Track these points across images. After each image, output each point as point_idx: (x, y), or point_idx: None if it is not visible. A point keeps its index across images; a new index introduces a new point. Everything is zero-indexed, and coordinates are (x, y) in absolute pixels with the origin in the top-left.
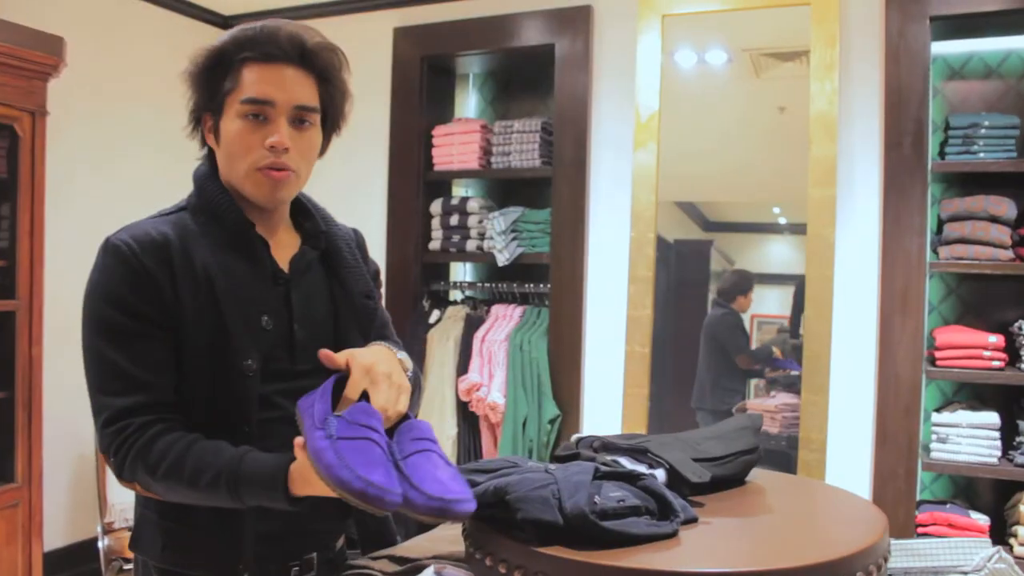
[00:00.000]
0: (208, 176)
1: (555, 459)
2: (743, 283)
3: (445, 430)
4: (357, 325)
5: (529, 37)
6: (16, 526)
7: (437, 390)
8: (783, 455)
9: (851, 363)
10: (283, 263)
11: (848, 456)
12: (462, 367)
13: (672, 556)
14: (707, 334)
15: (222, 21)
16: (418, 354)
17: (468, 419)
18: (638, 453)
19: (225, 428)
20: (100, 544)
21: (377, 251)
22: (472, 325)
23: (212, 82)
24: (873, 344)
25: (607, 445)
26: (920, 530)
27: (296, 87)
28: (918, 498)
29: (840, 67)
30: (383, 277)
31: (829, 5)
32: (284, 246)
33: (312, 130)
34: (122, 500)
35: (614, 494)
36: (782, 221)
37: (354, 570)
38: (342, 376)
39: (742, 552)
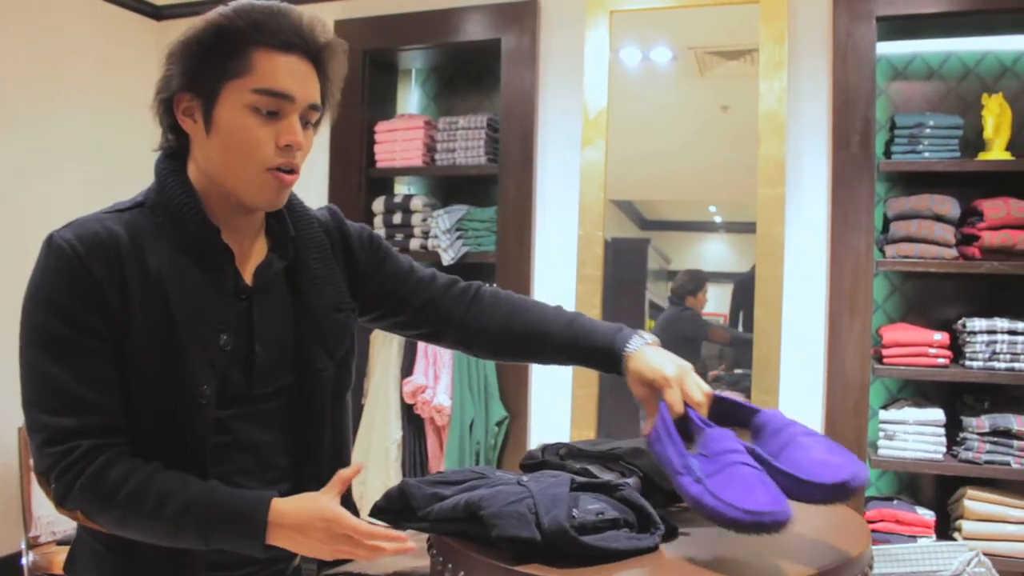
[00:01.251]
0: (172, 170)
1: (522, 468)
2: (696, 282)
3: (390, 434)
4: (322, 343)
5: (474, 32)
6: None
7: (381, 393)
8: None
9: (801, 362)
10: (247, 273)
11: None
12: (406, 369)
13: (653, 572)
14: (665, 331)
15: (153, 11)
16: (361, 356)
17: (413, 422)
18: (609, 460)
19: (174, 455)
20: (24, 560)
21: None
22: None
23: (210, 61)
24: (822, 343)
25: (574, 452)
26: (869, 527)
27: (311, 84)
28: (865, 495)
29: (789, 66)
30: None
31: (778, 3)
32: (250, 254)
33: (312, 132)
34: (49, 513)
35: (592, 507)
36: (717, 219)
37: None
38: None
39: (725, 565)
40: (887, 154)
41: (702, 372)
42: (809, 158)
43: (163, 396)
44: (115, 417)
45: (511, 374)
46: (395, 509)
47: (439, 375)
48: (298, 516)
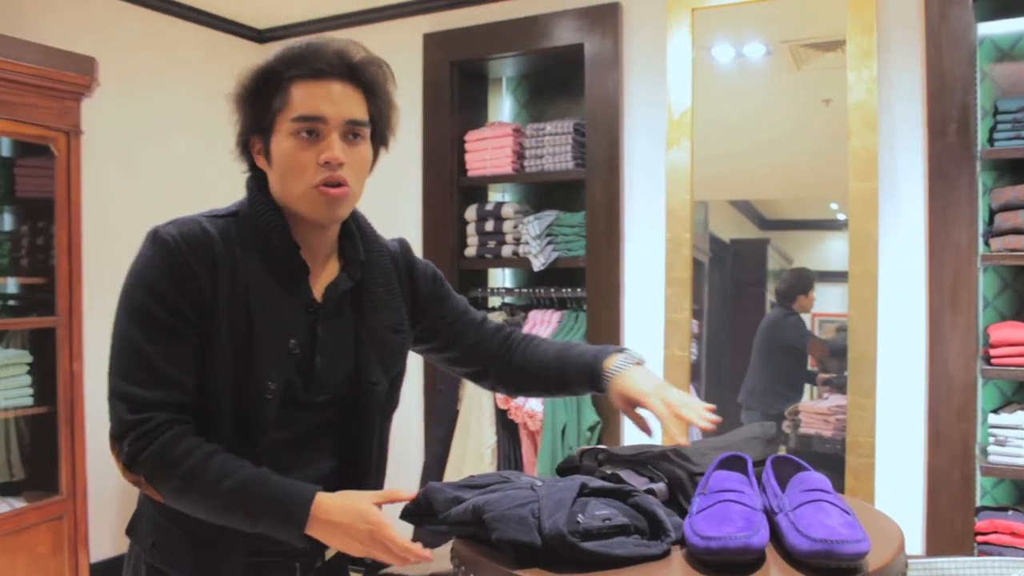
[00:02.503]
0: (260, 189)
1: (558, 472)
2: (803, 282)
3: (484, 439)
4: (379, 360)
5: (558, 37)
6: (62, 537)
7: (475, 399)
8: (837, 459)
9: (899, 363)
10: (318, 290)
11: (899, 461)
12: None
13: None
14: (768, 335)
15: (256, 35)
16: None
17: (507, 428)
18: (639, 465)
19: (235, 442)
20: None
21: None
22: None
23: (260, 103)
24: (922, 343)
25: (611, 457)
26: (980, 539)
27: (346, 101)
28: (977, 504)
29: (878, 54)
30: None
31: None
32: (323, 272)
33: (363, 144)
34: None
35: (600, 512)
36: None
37: None
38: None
39: (736, 573)
40: (990, 141)
41: (810, 378)
42: (903, 150)
43: (235, 386)
44: (191, 397)
45: None
46: (421, 512)
47: None
48: (342, 513)
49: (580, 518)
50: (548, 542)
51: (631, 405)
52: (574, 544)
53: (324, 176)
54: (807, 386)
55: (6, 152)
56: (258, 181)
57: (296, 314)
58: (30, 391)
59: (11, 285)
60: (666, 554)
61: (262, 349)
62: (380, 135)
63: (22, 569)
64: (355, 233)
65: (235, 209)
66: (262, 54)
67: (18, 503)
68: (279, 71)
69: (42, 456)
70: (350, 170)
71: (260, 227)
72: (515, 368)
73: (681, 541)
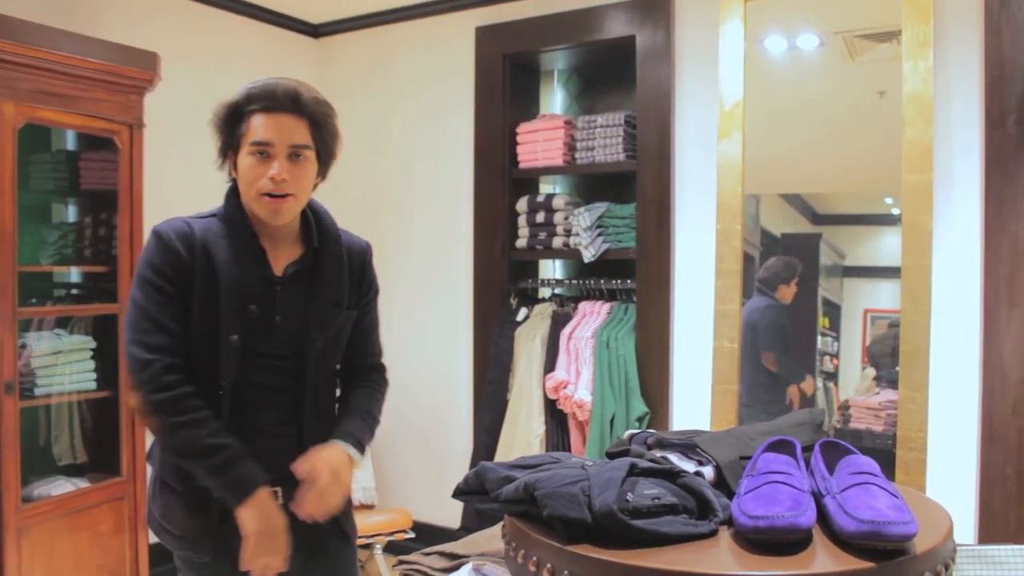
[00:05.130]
0: (232, 194)
1: (608, 455)
2: (787, 271)
3: (533, 428)
4: (317, 323)
5: (610, 29)
6: (123, 518)
7: (525, 388)
8: (888, 454)
9: (952, 358)
10: (279, 267)
11: (951, 456)
12: (549, 365)
13: (704, 557)
14: (746, 323)
15: (312, 30)
16: (506, 352)
17: (556, 417)
18: (687, 449)
19: (208, 382)
20: None
21: (464, 249)
22: (559, 322)
23: (230, 128)
24: (977, 337)
25: (661, 441)
26: None
27: (291, 130)
28: None
29: (935, 44)
30: (470, 273)
31: None
32: (283, 255)
33: (306, 162)
34: None
35: (649, 491)
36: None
37: (406, 565)
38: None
39: (783, 553)
40: None
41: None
42: (960, 141)
43: (208, 338)
44: (183, 343)
45: (652, 370)
46: (472, 491)
47: (580, 371)
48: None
49: (630, 496)
50: (598, 519)
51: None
52: (624, 521)
53: (270, 188)
54: (867, 373)
55: (71, 146)
56: (234, 188)
57: (257, 285)
58: (93, 376)
59: (75, 274)
60: (714, 533)
61: (225, 310)
62: (324, 154)
63: (86, 546)
64: (312, 225)
65: (215, 211)
66: (318, 49)
67: (82, 483)
68: (243, 105)
69: (104, 438)
70: (293, 183)
71: (228, 222)
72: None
73: (729, 521)
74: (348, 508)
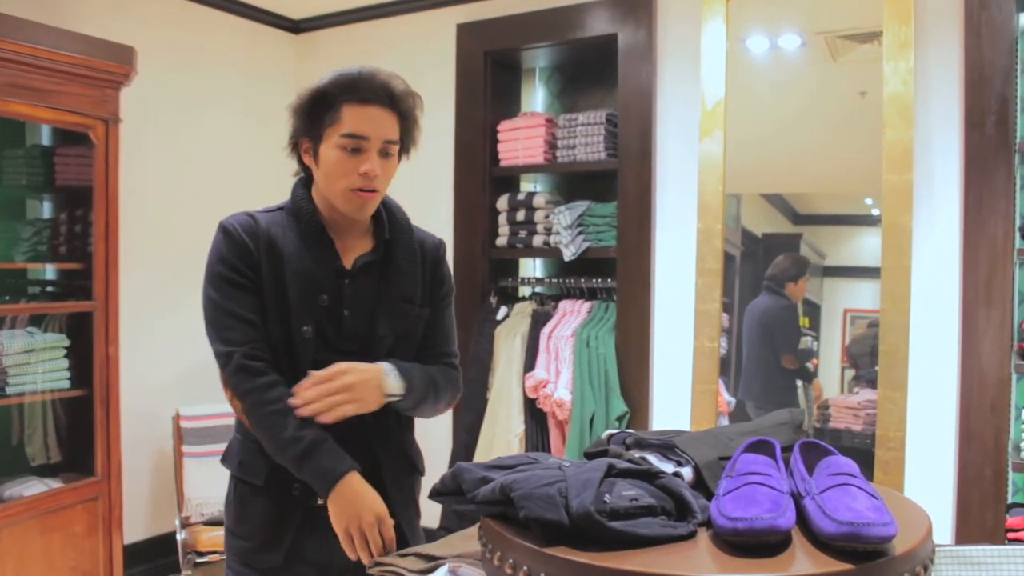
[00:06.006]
0: (301, 186)
1: (587, 455)
2: (795, 269)
3: (512, 428)
4: (388, 320)
5: (592, 27)
6: (97, 518)
7: (504, 387)
8: (867, 453)
9: (931, 358)
10: (348, 260)
11: (929, 455)
12: (529, 364)
13: (682, 559)
14: (758, 322)
15: (292, 26)
16: (485, 351)
17: (536, 416)
18: (666, 449)
19: (287, 373)
20: (178, 537)
21: None
22: (539, 321)
23: (314, 115)
24: (955, 337)
25: (639, 441)
26: (1011, 535)
27: (385, 125)
28: (1009, 501)
29: (916, 45)
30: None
31: None
32: (353, 248)
33: (392, 158)
34: (199, 495)
35: (627, 492)
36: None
37: (381, 567)
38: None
39: (762, 555)
40: None
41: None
42: (939, 142)
43: (283, 329)
44: (265, 334)
45: (632, 369)
46: (449, 492)
47: (560, 370)
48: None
49: (607, 498)
50: (575, 520)
51: None
52: (601, 523)
53: (361, 183)
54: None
55: (46, 141)
56: (303, 180)
57: (326, 277)
58: (67, 374)
59: (50, 271)
60: (692, 535)
61: (293, 302)
62: (405, 149)
63: (59, 548)
64: (384, 219)
65: (282, 206)
66: (298, 44)
67: (55, 484)
68: (334, 93)
69: (78, 438)
70: (381, 179)
71: (297, 215)
72: None
73: (707, 523)
74: (412, 516)
